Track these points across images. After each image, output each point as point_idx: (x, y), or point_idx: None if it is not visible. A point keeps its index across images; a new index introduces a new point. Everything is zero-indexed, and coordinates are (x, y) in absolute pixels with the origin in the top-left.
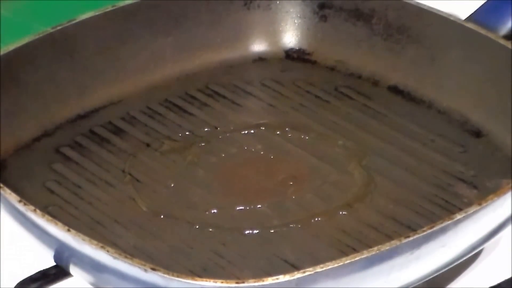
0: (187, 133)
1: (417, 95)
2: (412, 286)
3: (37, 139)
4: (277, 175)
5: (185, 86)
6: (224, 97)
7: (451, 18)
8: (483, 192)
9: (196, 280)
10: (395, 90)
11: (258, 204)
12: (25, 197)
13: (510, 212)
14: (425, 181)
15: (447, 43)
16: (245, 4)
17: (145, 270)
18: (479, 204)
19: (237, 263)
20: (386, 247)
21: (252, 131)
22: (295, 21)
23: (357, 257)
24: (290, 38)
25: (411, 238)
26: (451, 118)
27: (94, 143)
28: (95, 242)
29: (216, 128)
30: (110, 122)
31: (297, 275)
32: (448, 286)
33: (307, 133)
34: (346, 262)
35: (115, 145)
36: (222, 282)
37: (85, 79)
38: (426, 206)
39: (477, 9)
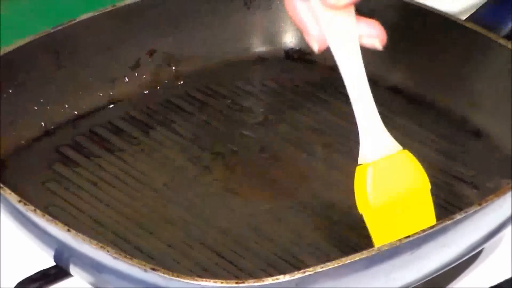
0: (187, 133)
1: (417, 95)
2: (412, 286)
3: (37, 139)
4: (277, 175)
5: (185, 86)
6: (224, 97)
7: (451, 18)
8: (483, 192)
9: (196, 280)
10: (395, 90)
11: (258, 204)
12: (25, 197)
13: (510, 212)
14: None
15: (447, 43)
16: (245, 4)
17: (145, 270)
18: (479, 204)
19: (237, 263)
20: (386, 247)
21: (252, 131)
22: None
23: (357, 257)
24: (290, 38)
25: (411, 238)
26: (451, 118)
27: (94, 143)
28: (95, 242)
29: (216, 128)
30: (110, 122)
31: (297, 275)
32: (448, 286)
33: (307, 133)
34: (346, 262)
35: (115, 145)
36: (222, 282)
37: (85, 79)
38: None
39: (477, 9)
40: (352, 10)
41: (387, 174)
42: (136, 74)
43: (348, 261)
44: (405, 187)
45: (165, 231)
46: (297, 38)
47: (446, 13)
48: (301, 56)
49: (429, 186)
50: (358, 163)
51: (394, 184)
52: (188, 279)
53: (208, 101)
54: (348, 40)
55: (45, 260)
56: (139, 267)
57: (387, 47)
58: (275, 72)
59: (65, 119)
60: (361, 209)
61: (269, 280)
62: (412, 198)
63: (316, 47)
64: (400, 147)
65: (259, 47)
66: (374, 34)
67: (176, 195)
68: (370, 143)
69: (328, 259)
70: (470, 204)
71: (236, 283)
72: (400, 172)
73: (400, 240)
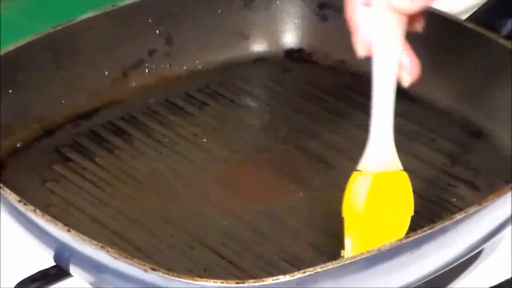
0: (187, 133)
1: (417, 95)
2: (412, 286)
3: (37, 139)
4: (277, 175)
5: (185, 86)
6: (224, 97)
7: (451, 18)
8: (483, 192)
9: (196, 280)
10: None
11: (258, 204)
12: (25, 197)
13: (510, 212)
14: (425, 181)
15: (447, 43)
16: (245, 4)
17: (145, 270)
18: (479, 204)
19: (237, 263)
20: (386, 247)
21: (251, 131)
22: (295, 21)
23: (357, 257)
24: (290, 38)
25: (411, 238)
26: (451, 118)
27: (94, 143)
28: (95, 242)
29: (216, 128)
30: (110, 122)
31: (297, 275)
32: (448, 286)
33: (307, 133)
34: (346, 262)
35: (115, 145)
36: (222, 282)
37: (85, 79)
38: (426, 206)
39: (477, 9)
40: (403, 33)
41: (382, 189)
42: (136, 74)
43: (348, 261)
44: (392, 207)
45: (165, 231)
46: (297, 38)
47: (446, 13)
48: (301, 56)
49: (412, 212)
50: (358, 168)
51: (385, 201)
52: (188, 279)
53: (208, 101)
54: (392, 54)
55: (45, 260)
56: (139, 267)
57: None
58: (275, 72)
59: (65, 119)
60: (346, 213)
61: (269, 280)
62: (393, 219)
63: (362, 52)
64: (401, 167)
65: (259, 47)
66: (407, 66)
67: (176, 195)
68: (377, 154)
69: (328, 259)
70: (470, 204)
71: (236, 283)
72: (393, 191)
73: (400, 240)
